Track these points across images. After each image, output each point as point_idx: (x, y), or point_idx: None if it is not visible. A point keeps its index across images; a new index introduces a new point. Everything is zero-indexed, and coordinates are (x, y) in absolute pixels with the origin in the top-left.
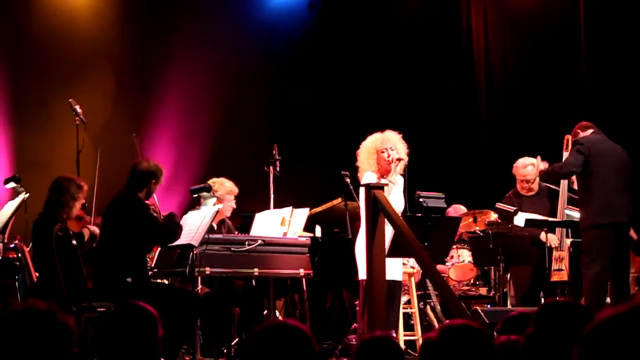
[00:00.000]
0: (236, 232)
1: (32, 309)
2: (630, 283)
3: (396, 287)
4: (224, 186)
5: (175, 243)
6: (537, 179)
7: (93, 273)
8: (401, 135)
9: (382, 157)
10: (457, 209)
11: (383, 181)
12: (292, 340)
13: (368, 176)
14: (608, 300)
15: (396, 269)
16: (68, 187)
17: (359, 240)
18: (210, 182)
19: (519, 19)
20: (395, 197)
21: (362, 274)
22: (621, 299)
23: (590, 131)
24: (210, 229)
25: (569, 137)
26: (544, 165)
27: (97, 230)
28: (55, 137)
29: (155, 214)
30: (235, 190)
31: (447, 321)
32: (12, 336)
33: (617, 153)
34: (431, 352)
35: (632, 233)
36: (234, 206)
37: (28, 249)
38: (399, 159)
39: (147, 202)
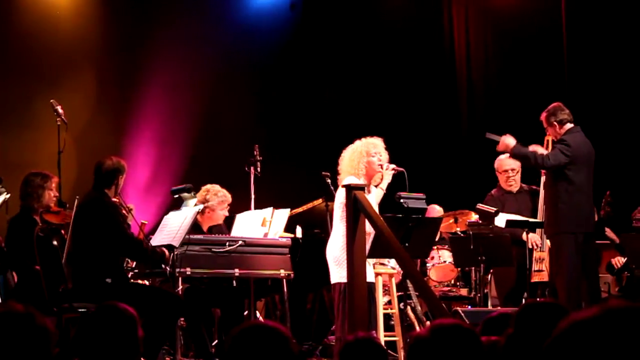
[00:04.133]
0: (228, 232)
1: (11, 312)
2: (611, 283)
3: (369, 289)
4: (217, 197)
5: (156, 243)
6: (519, 175)
7: (72, 274)
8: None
9: (373, 162)
10: (432, 210)
11: (373, 187)
12: (271, 341)
13: (352, 180)
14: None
15: (367, 270)
16: (33, 178)
17: (330, 243)
18: (203, 188)
19: (500, 21)
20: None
21: (335, 278)
22: (594, 301)
23: (569, 125)
24: (200, 233)
25: (549, 138)
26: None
27: None
28: (37, 137)
29: (124, 212)
30: (228, 199)
31: (438, 320)
32: None
33: (592, 156)
34: (420, 349)
35: (612, 235)
36: (227, 214)
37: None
38: (394, 169)
39: (114, 199)
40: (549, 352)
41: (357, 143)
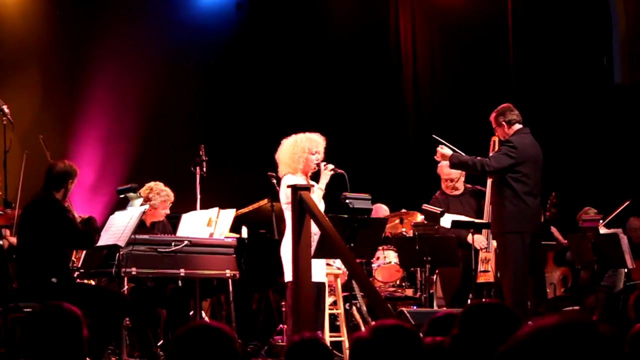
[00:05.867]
0: (172, 230)
1: None
2: (556, 284)
3: (321, 289)
4: (160, 196)
5: (102, 243)
6: (462, 179)
7: (16, 273)
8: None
9: (311, 159)
10: (378, 209)
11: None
12: (215, 342)
13: (292, 179)
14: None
15: (319, 270)
16: None
17: (284, 242)
18: (147, 186)
19: (446, 22)
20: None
21: (288, 276)
22: (540, 301)
23: (518, 126)
24: (143, 228)
25: (495, 139)
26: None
27: (15, 241)
28: None
29: (72, 216)
30: (171, 198)
31: (379, 320)
32: None
33: (540, 158)
34: (362, 350)
35: (558, 235)
36: (168, 212)
37: None
38: (333, 170)
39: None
40: None
41: (300, 137)
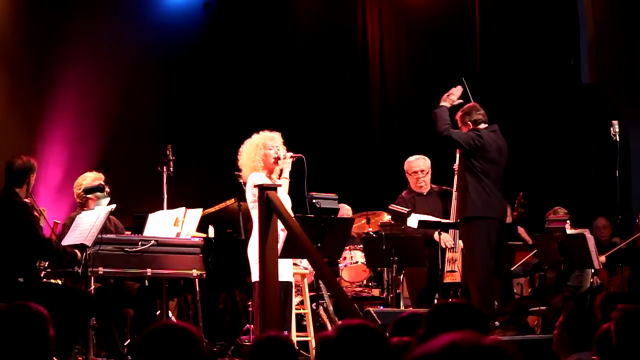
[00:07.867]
0: (124, 227)
1: None
2: (523, 284)
3: (288, 288)
4: (89, 178)
5: (69, 243)
6: (429, 176)
7: None
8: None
9: (270, 154)
10: (341, 209)
11: (277, 181)
12: (181, 342)
13: (257, 177)
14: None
15: (287, 270)
16: None
17: (251, 242)
18: (77, 181)
19: (414, 21)
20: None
21: (256, 276)
22: (506, 301)
23: (483, 126)
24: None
25: None
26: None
27: None
28: None
29: (35, 213)
30: (101, 176)
31: (345, 320)
32: None
33: (504, 156)
34: (327, 350)
35: (525, 235)
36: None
37: None
38: (292, 156)
39: (27, 200)
40: None
41: (255, 136)
